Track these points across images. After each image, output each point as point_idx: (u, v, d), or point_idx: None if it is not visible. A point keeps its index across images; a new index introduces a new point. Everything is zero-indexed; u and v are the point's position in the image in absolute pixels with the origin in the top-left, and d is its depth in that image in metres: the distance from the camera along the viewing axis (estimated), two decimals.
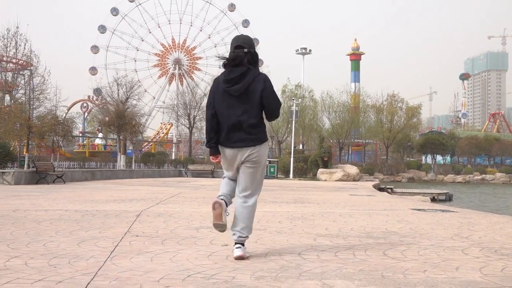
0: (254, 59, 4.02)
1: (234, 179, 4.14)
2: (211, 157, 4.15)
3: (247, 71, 3.92)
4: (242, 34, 4.22)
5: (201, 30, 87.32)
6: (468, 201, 25.45)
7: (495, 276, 3.42)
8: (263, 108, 3.97)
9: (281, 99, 63.74)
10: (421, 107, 63.84)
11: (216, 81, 4.09)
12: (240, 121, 3.91)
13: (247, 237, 4.00)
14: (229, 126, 3.94)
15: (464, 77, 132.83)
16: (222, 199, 3.97)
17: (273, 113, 4.02)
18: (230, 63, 3.99)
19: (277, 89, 59.64)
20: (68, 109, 67.13)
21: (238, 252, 3.89)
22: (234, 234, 3.98)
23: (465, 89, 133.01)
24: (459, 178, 57.49)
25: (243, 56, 3.96)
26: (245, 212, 4.00)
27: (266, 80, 3.97)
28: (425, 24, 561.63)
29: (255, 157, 3.97)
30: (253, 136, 3.94)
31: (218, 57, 4.30)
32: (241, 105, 3.91)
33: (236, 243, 3.95)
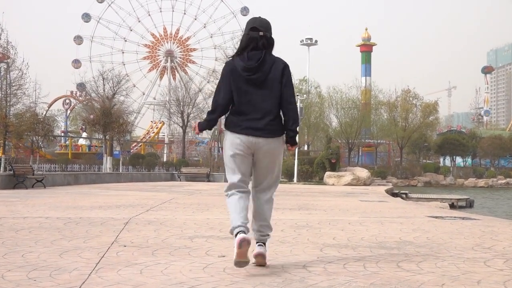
0: (269, 44, 4.10)
1: (245, 187, 4.11)
2: (196, 128, 4.26)
3: (264, 56, 4.01)
4: (259, 17, 4.25)
5: (195, 19, 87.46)
6: (491, 208, 25.47)
7: None
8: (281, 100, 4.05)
9: None
10: (438, 104, 63.86)
11: (231, 65, 4.09)
12: (261, 108, 4.00)
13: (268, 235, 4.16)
14: (248, 113, 4.00)
15: (486, 70, 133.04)
16: (244, 231, 3.86)
17: (286, 112, 4.06)
18: (244, 48, 4.06)
19: None
20: (49, 106, 67.25)
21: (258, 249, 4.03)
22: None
23: (487, 84, 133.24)
24: (481, 182, 57.49)
25: (258, 39, 4.04)
26: (266, 208, 4.15)
27: (285, 68, 4.07)
28: (443, 12, 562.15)
29: (271, 149, 4.03)
30: (270, 127, 4.00)
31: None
32: (262, 92, 4.01)
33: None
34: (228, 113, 4.14)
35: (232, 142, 4.03)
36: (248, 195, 4.11)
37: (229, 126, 4.07)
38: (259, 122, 3.97)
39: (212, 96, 4.26)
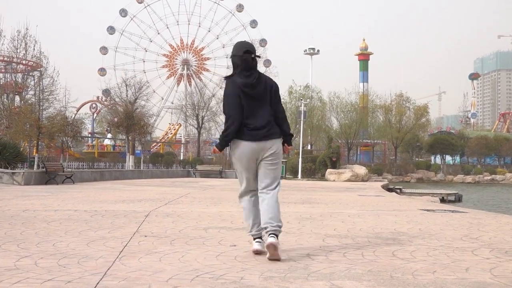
0: (256, 64, 4.30)
1: (254, 190, 4.16)
2: (217, 149, 4.17)
3: (260, 75, 4.18)
4: (245, 41, 4.46)
5: (209, 31, 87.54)
6: (478, 202, 25.29)
7: (505, 278, 3.40)
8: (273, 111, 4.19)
9: (288, 100, 62.55)
10: (428, 107, 63.61)
11: (233, 83, 4.12)
12: (262, 117, 4.08)
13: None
14: (253, 124, 4.05)
15: (473, 77, 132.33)
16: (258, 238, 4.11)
17: (282, 122, 4.20)
18: (240, 68, 4.12)
19: (284, 89, 59.84)
20: (77, 110, 67.61)
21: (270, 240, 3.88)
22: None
23: (474, 89, 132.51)
24: (469, 178, 57.13)
25: (251, 61, 4.16)
26: (271, 203, 4.03)
27: (276, 87, 4.22)
28: (433, 23, 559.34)
29: (276, 150, 4.10)
30: (273, 130, 4.11)
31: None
32: (262, 105, 4.11)
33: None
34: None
35: (242, 150, 4.08)
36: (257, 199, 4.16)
37: (240, 135, 4.07)
38: (263, 130, 4.06)
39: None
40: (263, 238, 4.08)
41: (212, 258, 3.92)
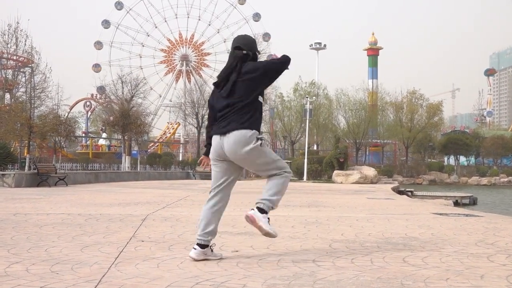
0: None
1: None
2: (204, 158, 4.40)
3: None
4: (245, 35, 4.37)
5: (209, 25, 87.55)
6: (494, 205, 25.23)
7: None
8: None
9: (293, 97, 62.47)
10: (442, 105, 63.49)
11: None
12: None
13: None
14: None
15: (489, 72, 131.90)
16: None
17: None
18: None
19: (289, 87, 59.88)
20: (71, 108, 67.74)
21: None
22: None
23: (490, 86, 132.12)
24: (484, 180, 57.00)
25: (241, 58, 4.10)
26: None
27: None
28: (447, 17, 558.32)
29: None
30: None
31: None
32: None
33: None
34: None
35: None
36: None
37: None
38: None
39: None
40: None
41: (212, 265, 3.93)
